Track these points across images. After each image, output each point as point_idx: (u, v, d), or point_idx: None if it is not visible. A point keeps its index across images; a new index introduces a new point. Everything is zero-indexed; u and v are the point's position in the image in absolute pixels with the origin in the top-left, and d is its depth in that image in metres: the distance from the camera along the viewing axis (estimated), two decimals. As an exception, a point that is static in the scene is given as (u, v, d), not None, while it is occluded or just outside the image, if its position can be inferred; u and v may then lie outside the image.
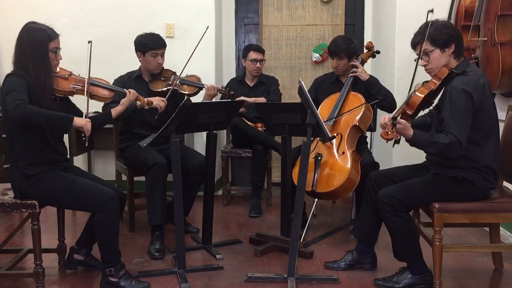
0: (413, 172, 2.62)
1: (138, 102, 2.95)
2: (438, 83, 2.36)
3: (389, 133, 2.17)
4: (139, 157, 3.12)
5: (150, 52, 3.23)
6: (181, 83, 3.30)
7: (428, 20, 2.50)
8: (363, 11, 4.72)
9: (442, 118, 2.32)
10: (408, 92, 2.48)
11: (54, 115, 2.36)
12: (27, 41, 2.41)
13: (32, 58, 2.40)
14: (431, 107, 2.59)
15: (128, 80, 3.32)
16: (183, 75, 3.29)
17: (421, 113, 2.58)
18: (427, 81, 2.44)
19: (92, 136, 4.12)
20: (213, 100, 3.43)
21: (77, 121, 2.39)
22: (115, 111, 2.79)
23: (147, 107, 2.97)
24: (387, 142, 2.27)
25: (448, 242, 2.93)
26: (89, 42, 2.68)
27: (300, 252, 2.83)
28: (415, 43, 2.47)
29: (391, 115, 2.29)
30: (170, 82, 3.28)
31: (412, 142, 2.29)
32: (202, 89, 3.35)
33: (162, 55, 3.29)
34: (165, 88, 3.24)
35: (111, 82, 3.11)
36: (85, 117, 2.48)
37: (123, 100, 2.84)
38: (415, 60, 2.53)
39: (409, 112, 2.35)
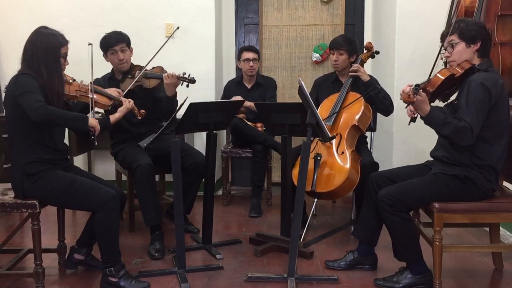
0: (414, 172, 2.62)
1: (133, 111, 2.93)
2: (460, 71, 2.38)
3: (410, 96, 2.21)
4: (127, 160, 3.13)
5: (109, 50, 3.21)
6: (146, 77, 3.19)
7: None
8: (363, 11, 4.73)
9: (458, 107, 2.35)
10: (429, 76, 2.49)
11: (72, 116, 2.46)
12: (40, 45, 2.43)
13: (46, 62, 2.43)
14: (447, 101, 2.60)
15: (103, 82, 3.28)
16: (149, 67, 3.21)
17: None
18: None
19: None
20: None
21: (91, 121, 2.49)
22: (113, 117, 2.75)
23: (139, 117, 2.95)
24: (406, 107, 2.34)
25: (448, 242, 2.93)
26: (90, 44, 2.69)
27: (300, 252, 2.83)
28: (444, 35, 2.50)
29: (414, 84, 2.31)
30: (136, 78, 3.19)
31: (427, 118, 2.31)
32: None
33: (123, 51, 3.22)
34: (133, 86, 3.14)
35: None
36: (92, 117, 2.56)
37: (121, 108, 2.81)
38: (441, 53, 2.55)
39: (430, 89, 2.37)
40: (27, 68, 2.44)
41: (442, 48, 2.54)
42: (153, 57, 3.04)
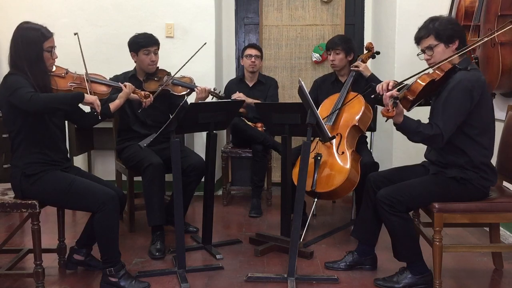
0: (412, 172, 2.62)
1: (135, 96, 2.97)
2: (441, 74, 2.36)
3: (390, 110, 2.22)
4: (135, 158, 3.13)
5: (143, 50, 3.24)
6: (174, 84, 3.29)
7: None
8: (363, 11, 4.72)
9: (433, 108, 2.37)
10: (407, 78, 2.49)
11: (67, 96, 2.45)
12: (21, 42, 2.40)
13: (27, 59, 2.39)
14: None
15: (123, 80, 3.30)
16: (177, 75, 3.27)
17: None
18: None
19: (91, 136, 4.17)
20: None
21: (87, 97, 2.48)
22: (113, 105, 2.80)
23: (144, 100, 2.96)
24: (386, 120, 2.33)
25: (448, 242, 2.93)
26: (75, 34, 2.69)
27: (300, 252, 2.83)
28: (419, 38, 2.47)
29: (394, 91, 2.30)
30: (163, 82, 3.29)
31: (399, 127, 2.34)
32: (194, 91, 3.33)
33: (155, 53, 3.29)
34: (158, 89, 3.23)
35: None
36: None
37: (120, 94, 2.86)
38: (418, 55, 2.53)
39: (410, 98, 2.37)
40: (13, 67, 2.43)
41: (419, 52, 2.51)
42: (182, 66, 3.13)
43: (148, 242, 3.07)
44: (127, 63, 3.44)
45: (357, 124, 3.25)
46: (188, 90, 3.31)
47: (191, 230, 3.37)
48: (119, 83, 2.89)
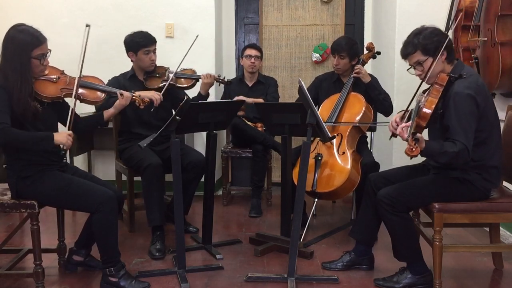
0: (413, 172, 2.62)
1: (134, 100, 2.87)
2: (441, 89, 2.29)
3: (414, 149, 2.08)
4: (135, 158, 3.12)
5: (143, 49, 3.22)
6: (177, 77, 3.30)
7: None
8: (363, 11, 4.72)
9: (447, 125, 2.29)
10: (409, 103, 2.44)
11: (34, 138, 2.33)
12: (10, 46, 2.32)
13: (12, 64, 2.31)
14: None
15: (122, 80, 3.31)
16: (178, 70, 3.28)
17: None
18: (427, 90, 2.39)
19: (91, 136, 4.17)
20: (210, 89, 3.46)
21: (57, 138, 2.34)
22: (107, 113, 2.73)
23: (142, 106, 2.88)
24: (411, 158, 2.17)
25: (448, 242, 2.93)
26: (87, 26, 2.53)
27: (300, 252, 2.83)
28: (406, 54, 2.43)
29: (406, 125, 2.21)
30: (165, 78, 3.28)
31: (423, 152, 2.24)
32: (198, 81, 3.34)
33: (154, 52, 3.28)
34: (161, 84, 3.23)
35: (106, 82, 3.09)
36: (68, 128, 2.41)
37: (116, 104, 2.76)
38: (408, 70, 2.50)
39: (423, 124, 2.29)
40: (1, 71, 2.33)
41: (409, 67, 2.46)
42: (182, 60, 3.13)
43: (148, 242, 3.07)
44: (128, 63, 3.43)
45: (357, 124, 3.25)
46: (193, 80, 3.31)
47: (191, 230, 3.37)
48: (117, 90, 2.76)
